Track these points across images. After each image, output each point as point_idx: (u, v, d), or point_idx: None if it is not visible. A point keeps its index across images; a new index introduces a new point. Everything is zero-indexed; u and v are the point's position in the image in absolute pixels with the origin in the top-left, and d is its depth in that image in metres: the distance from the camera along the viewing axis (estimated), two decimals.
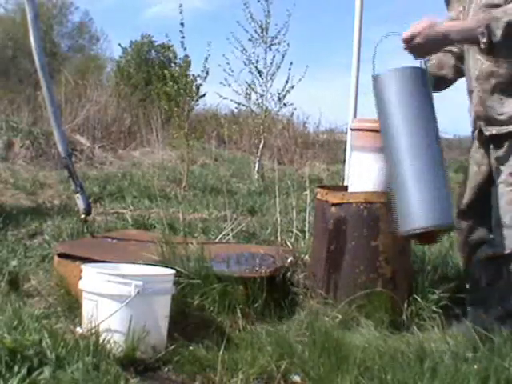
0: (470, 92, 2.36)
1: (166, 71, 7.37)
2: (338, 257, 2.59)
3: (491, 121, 2.28)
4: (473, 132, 2.45)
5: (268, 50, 7.95)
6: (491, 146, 2.33)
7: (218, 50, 7.32)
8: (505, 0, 2.12)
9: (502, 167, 2.27)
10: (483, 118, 2.31)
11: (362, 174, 2.66)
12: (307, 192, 3.36)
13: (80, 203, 3.24)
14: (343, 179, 3.17)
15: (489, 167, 2.37)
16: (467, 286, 2.52)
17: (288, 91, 8.14)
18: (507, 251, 2.22)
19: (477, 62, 2.29)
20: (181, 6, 7.01)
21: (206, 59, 7.06)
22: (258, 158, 7.95)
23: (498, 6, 2.12)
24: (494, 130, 2.28)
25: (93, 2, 33.41)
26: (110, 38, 23.69)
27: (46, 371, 1.77)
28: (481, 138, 2.38)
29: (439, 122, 2.15)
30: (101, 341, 2.04)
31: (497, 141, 2.29)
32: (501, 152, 2.27)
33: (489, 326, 2.23)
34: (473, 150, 2.44)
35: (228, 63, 7.99)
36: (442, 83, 2.48)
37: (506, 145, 2.25)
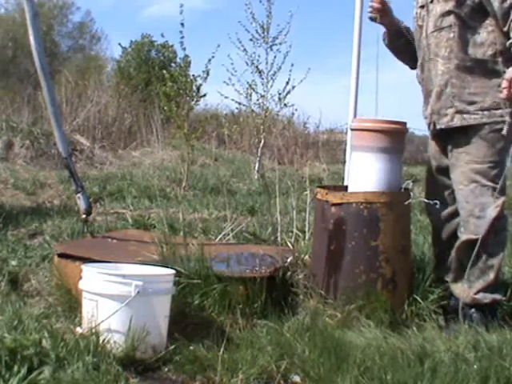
0: None
1: (164, 71, 7.32)
2: (337, 257, 2.59)
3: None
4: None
5: (269, 50, 7.94)
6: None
7: (219, 50, 7.26)
8: (454, 6, 2.47)
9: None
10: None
11: (362, 174, 2.66)
12: (307, 192, 3.36)
13: (81, 203, 3.24)
14: (343, 179, 3.16)
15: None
16: (450, 266, 2.67)
17: (289, 92, 8.13)
18: (477, 236, 2.48)
19: None
20: (181, 6, 6.97)
21: (209, 61, 7.00)
22: (258, 158, 7.94)
23: (450, 12, 2.49)
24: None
25: (92, 2, 33.46)
26: (109, 38, 23.72)
27: (46, 371, 1.77)
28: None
29: None
30: (101, 341, 2.04)
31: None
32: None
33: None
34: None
35: (232, 63, 7.98)
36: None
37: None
